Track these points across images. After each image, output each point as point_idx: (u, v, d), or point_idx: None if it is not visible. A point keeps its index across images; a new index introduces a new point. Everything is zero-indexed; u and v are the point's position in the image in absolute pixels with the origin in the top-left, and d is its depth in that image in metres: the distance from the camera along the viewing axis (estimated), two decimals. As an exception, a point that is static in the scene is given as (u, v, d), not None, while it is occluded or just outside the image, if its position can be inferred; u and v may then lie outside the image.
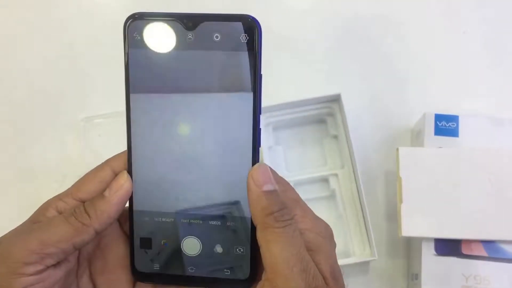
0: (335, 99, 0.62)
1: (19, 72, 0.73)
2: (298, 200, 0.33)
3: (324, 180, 0.62)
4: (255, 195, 0.30)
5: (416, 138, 0.62)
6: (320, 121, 0.65)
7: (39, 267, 0.29)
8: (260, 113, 0.31)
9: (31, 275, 0.28)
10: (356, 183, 0.60)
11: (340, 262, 0.50)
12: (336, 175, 0.61)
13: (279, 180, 0.32)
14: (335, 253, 0.32)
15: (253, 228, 0.31)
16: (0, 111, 0.72)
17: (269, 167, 0.32)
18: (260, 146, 0.32)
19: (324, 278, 0.29)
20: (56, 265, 0.30)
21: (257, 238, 0.30)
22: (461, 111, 0.59)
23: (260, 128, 0.31)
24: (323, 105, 0.63)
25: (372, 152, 0.64)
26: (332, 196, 0.62)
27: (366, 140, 0.65)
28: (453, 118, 0.57)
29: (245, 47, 0.30)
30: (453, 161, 0.54)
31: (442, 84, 0.68)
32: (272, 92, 0.58)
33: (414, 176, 0.54)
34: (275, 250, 0.29)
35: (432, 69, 0.68)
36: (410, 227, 0.53)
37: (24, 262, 0.28)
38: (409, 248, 0.60)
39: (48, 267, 0.29)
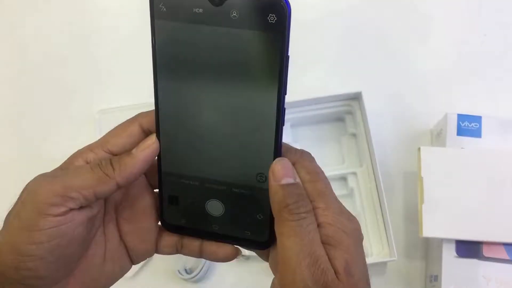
0: (355, 97, 0.62)
1: (37, 65, 0.73)
2: (324, 193, 0.32)
3: (342, 178, 0.61)
4: (273, 188, 0.31)
5: (436, 138, 0.61)
6: (339, 119, 0.64)
7: (63, 209, 0.29)
8: (285, 94, 0.30)
9: (56, 215, 0.29)
10: (375, 182, 0.59)
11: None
12: (354, 173, 0.61)
13: (310, 170, 0.32)
14: (358, 248, 0.31)
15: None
16: (16, 102, 0.71)
17: (310, 155, 0.33)
18: (283, 125, 0.31)
19: (336, 273, 0.29)
20: (79, 209, 0.31)
21: (275, 230, 0.31)
22: (481, 112, 0.58)
23: (284, 108, 0.31)
24: (342, 103, 0.62)
25: (390, 152, 0.64)
26: (350, 195, 0.61)
27: (385, 139, 0.64)
28: (476, 119, 0.57)
29: (273, 27, 0.29)
30: (476, 162, 0.54)
31: (462, 85, 0.67)
32: (291, 89, 0.57)
33: (436, 176, 0.54)
34: (287, 243, 0.29)
35: (453, 70, 0.68)
36: (431, 227, 0.52)
37: (49, 203, 0.29)
38: (427, 249, 0.59)
39: (71, 210, 0.30)
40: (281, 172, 0.31)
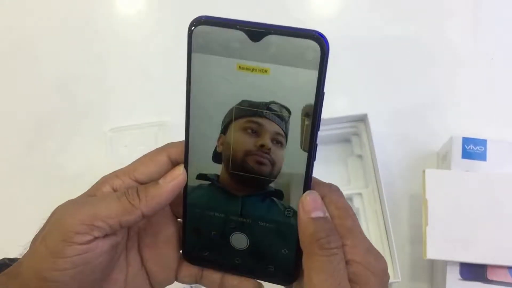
0: (361, 119, 0.62)
1: (50, 81, 0.75)
2: (352, 230, 0.31)
3: (348, 199, 0.62)
4: (303, 221, 0.31)
5: (442, 161, 0.62)
6: (345, 140, 0.65)
7: (88, 237, 0.30)
8: (319, 130, 0.31)
9: (81, 244, 0.29)
10: (381, 203, 0.59)
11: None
12: (360, 194, 0.61)
13: (339, 205, 0.32)
14: None
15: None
16: (29, 119, 0.73)
17: (338, 190, 0.33)
18: (315, 160, 0.32)
19: None
20: (104, 237, 0.31)
21: (303, 263, 0.31)
22: (487, 136, 0.59)
23: (317, 144, 0.31)
24: (348, 125, 0.63)
25: (396, 174, 0.64)
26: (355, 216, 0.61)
27: (391, 161, 0.64)
28: (481, 142, 0.57)
29: (311, 64, 0.29)
30: (481, 185, 0.54)
31: (468, 108, 0.68)
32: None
33: (440, 198, 0.54)
34: (316, 280, 0.29)
35: (459, 94, 0.69)
36: (435, 250, 0.52)
37: (75, 232, 0.29)
38: (432, 272, 0.59)
39: (96, 238, 0.30)
40: (311, 205, 0.31)
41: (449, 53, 0.71)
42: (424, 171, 0.55)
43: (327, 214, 0.31)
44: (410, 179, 0.63)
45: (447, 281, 0.52)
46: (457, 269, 0.53)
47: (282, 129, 0.32)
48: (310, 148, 0.31)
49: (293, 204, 0.32)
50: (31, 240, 0.32)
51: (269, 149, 0.32)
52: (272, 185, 0.33)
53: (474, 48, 0.71)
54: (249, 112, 0.32)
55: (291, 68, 0.29)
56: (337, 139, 0.65)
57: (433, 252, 0.52)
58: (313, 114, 0.30)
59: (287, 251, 0.33)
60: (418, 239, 0.59)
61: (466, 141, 0.57)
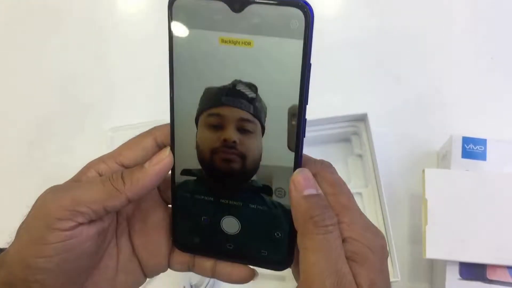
0: (361, 119, 0.62)
1: (51, 81, 0.75)
2: (348, 206, 0.31)
3: (348, 198, 0.62)
4: (296, 200, 0.30)
5: (442, 160, 0.62)
6: (345, 139, 0.65)
7: (71, 223, 0.29)
8: (307, 103, 0.29)
9: (64, 230, 0.29)
10: (380, 202, 0.59)
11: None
12: (360, 194, 0.61)
13: (332, 182, 0.31)
14: (383, 266, 0.30)
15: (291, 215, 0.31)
16: (30, 118, 0.73)
17: (331, 166, 0.32)
18: (304, 136, 0.30)
19: None
20: (89, 223, 0.30)
21: (297, 243, 0.30)
22: (486, 136, 0.59)
23: (305, 119, 0.30)
24: (348, 124, 0.63)
25: (396, 173, 0.64)
26: (355, 215, 0.61)
27: (391, 161, 0.64)
28: (481, 142, 0.57)
29: (296, 33, 0.27)
30: (480, 184, 0.54)
31: (468, 108, 0.68)
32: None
33: (440, 198, 0.54)
34: (311, 259, 0.28)
35: (459, 93, 0.68)
36: (435, 249, 0.52)
37: (58, 218, 0.29)
38: (431, 272, 0.59)
39: (80, 224, 0.30)
40: (303, 183, 0.29)
41: (449, 52, 0.71)
42: (423, 171, 0.55)
43: (320, 191, 0.30)
44: (410, 179, 0.63)
45: (447, 281, 0.52)
46: (456, 269, 0.53)
47: (250, 112, 0.30)
48: (299, 124, 0.30)
49: (284, 185, 0.31)
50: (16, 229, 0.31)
51: (234, 141, 0.31)
52: (256, 178, 0.31)
53: (474, 47, 0.71)
54: (210, 102, 0.30)
55: (275, 39, 0.28)
56: (337, 138, 0.65)
57: (432, 251, 0.52)
58: (300, 87, 0.29)
59: (280, 234, 0.32)
60: (417, 238, 0.59)
61: (466, 140, 0.57)
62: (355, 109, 0.61)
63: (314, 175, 0.31)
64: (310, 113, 0.62)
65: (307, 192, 0.29)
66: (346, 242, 0.29)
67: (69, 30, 0.78)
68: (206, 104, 0.31)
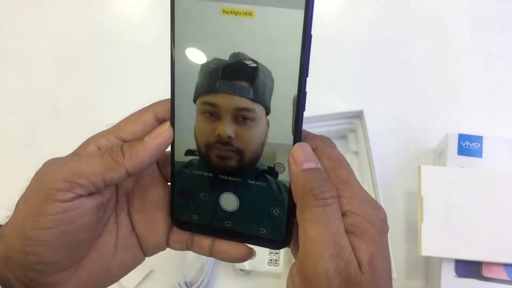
0: (357, 116, 0.62)
1: (50, 79, 0.75)
2: (347, 180, 0.30)
3: (344, 196, 0.62)
4: (295, 174, 0.29)
5: (438, 157, 0.61)
6: (341, 136, 0.65)
7: (70, 195, 0.29)
8: (307, 76, 0.29)
9: (63, 201, 0.29)
10: (376, 200, 0.59)
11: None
12: (356, 191, 0.61)
13: (332, 156, 0.31)
14: (383, 240, 0.30)
15: (291, 192, 0.30)
16: (28, 116, 0.73)
17: (331, 141, 0.32)
18: (304, 110, 0.30)
19: (359, 265, 0.28)
20: (88, 195, 0.30)
21: (297, 217, 0.30)
22: (482, 133, 0.59)
23: (306, 92, 0.29)
24: (345, 121, 0.63)
25: (392, 170, 0.64)
26: (351, 212, 0.61)
27: (387, 157, 0.64)
28: (477, 139, 0.57)
29: (297, 4, 0.27)
30: (476, 181, 0.54)
31: (464, 105, 0.68)
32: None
33: (436, 195, 0.54)
34: (310, 232, 0.28)
35: (455, 91, 0.69)
36: (430, 246, 0.52)
37: (57, 189, 0.29)
38: (427, 269, 0.59)
39: (79, 196, 0.29)
40: (302, 157, 0.29)
41: (445, 50, 0.71)
42: (419, 168, 0.55)
43: (319, 165, 0.30)
44: (406, 176, 0.63)
45: (442, 278, 0.52)
46: (452, 266, 0.53)
47: (249, 98, 0.30)
48: (299, 97, 0.29)
49: (283, 160, 0.31)
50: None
51: (229, 137, 0.31)
52: (258, 165, 0.31)
53: (470, 46, 0.71)
54: (207, 85, 0.30)
55: (276, 9, 0.28)
56: (333, 135, 0.64)
57: (428, 249, 0.52)
58: (301, 58, 0.28)
59: (279, 212, 0.32)
60: (413, 235, 0.59)
61: (462, 137, 0.57)
62: (352, 106, 0.61)
63: (314, 150, 0.31)
64: (306, 110, 0.62)
65: (306, 165, 0.29)
66: (345, 215, 0.29)
67: (68, 30, 0.78)
68: (203, 87, 0.30)
